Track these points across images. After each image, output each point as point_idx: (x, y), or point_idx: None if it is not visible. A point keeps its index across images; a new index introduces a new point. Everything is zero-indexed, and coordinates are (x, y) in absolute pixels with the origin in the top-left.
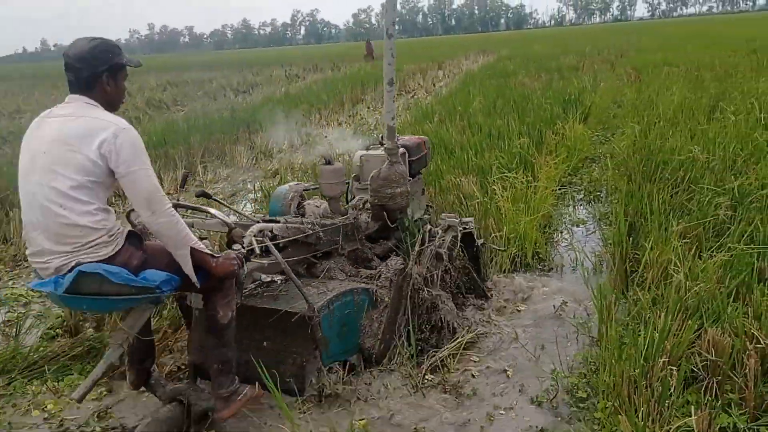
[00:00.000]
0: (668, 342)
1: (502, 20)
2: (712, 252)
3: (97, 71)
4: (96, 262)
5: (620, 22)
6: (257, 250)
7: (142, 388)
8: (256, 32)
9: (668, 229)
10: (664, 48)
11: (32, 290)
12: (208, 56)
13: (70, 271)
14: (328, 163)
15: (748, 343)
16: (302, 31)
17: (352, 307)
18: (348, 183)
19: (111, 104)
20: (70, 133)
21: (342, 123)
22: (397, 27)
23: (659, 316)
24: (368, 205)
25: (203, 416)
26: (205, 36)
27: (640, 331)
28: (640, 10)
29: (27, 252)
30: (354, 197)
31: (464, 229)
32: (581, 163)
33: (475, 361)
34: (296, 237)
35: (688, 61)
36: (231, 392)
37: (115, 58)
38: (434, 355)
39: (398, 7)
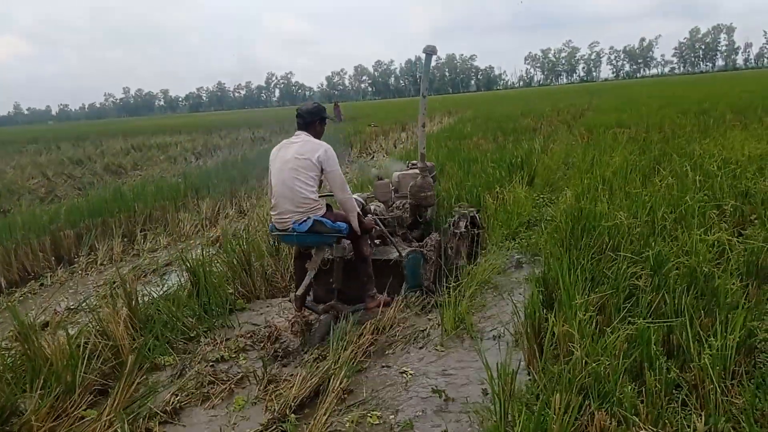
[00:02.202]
0: (555, 426)
1: (473, 81)
2: (617, 325)
3: (314, 119)
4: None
5: (586, 82)
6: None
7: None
8: (231, 95)
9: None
10: (620, 109)
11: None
12: (182, 119)
13: (304, 222)
14: (380, 179)
15: (636, 428)
16: (277, 94)
17: (415, 260)
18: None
19: (317, 136)
20: (303, 151)
21: None
22: (371, 89)
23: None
24: (407, 206)
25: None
26: (180, 99)
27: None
28: (605, 71)
29: (272, 212)
30: (394, 202)
31: (471, 215)
32: (522, 227)
33: None
34: (383, 217)
35: (640, 121)
36: (374, 293)
37: (323, 114)
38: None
39: (372, 70)
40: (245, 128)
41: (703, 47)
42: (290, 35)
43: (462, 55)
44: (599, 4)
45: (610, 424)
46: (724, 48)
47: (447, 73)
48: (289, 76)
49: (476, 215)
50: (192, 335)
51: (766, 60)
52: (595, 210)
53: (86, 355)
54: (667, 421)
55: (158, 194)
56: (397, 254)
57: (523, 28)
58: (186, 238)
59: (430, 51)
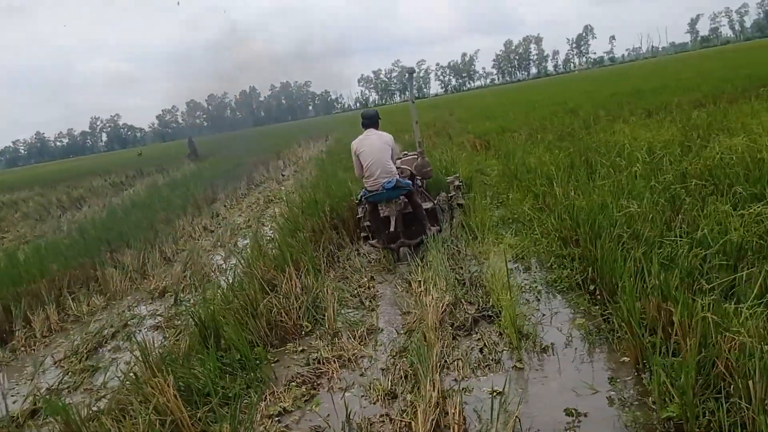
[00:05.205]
0: None
1: (310, 107)
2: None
3: (376, 119)
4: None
5: (419, 99)
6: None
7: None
8: (53, 144)
9: (667, 286)
10: (488, 117)
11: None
12: (3, 176)
13: (390, 182)
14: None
15: None
16: (104, 138)
17: (438, 209)
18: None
19: (378, 129)
20: (382, 140)
21: (207, 227)
22: (206, 123)
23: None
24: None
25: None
26: None
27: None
28: (435, 87)
29: (367, 179)
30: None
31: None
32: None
33: None
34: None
35: (522, 125)
36: (428, 226)
37: (378, 116)
38: None
39: (206, 105)
40: (92, 176)
41: (517, 57)
42: (111, 76)
43: (296, 82)
44: (420, 26)
45: None
46: (535, 57)
47: (283, 101)
48: (115, 118)
49: (461, 180)
50: (230, 395)
51: (572, 65)
52: (591, 204)
53: None
54: None
55: (68, 253)
56: (432, 204)
57: (352, 51)
58: (122, 295)
59: (410, 71)
